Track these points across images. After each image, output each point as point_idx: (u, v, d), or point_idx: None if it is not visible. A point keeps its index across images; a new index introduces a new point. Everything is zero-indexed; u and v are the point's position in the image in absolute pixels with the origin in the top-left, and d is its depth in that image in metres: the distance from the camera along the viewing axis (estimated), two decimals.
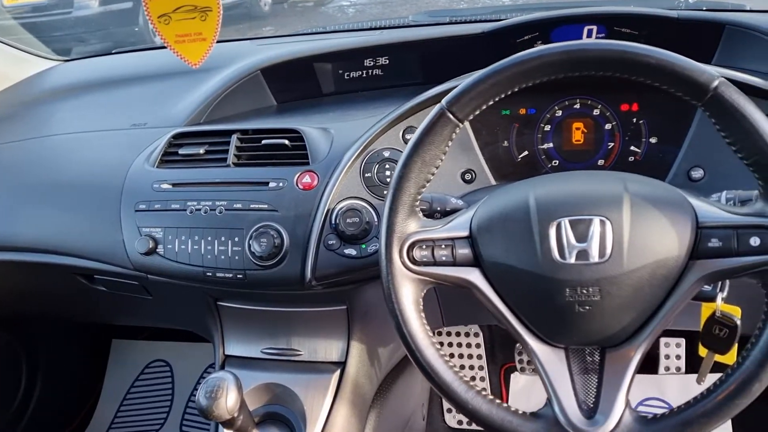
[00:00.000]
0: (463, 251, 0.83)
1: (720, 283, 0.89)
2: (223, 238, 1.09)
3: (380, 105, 1.25)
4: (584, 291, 0.77)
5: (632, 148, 1.17)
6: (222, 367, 1.19)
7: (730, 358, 0.92)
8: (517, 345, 1.65)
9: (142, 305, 1.30)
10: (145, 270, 1.15)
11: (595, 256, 0.76)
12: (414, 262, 0.83)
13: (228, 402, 0.93)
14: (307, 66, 1.40)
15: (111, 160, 1.25)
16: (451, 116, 0.81)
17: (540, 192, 0.82)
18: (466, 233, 0.84)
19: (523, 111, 1.23)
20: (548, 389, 0.81)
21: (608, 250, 0.76)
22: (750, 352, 0.74)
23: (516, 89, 0.80)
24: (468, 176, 1.15)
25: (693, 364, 1.58)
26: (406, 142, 1.13)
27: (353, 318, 1.15)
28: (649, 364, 1.59)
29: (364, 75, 1.44)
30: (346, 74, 1.43)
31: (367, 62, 1.42)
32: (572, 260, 0.77)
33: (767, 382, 0.74)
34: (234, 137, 1.18)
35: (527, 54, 0.78)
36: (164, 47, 1.78)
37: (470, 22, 1.51)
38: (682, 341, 1.57)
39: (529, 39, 1.39)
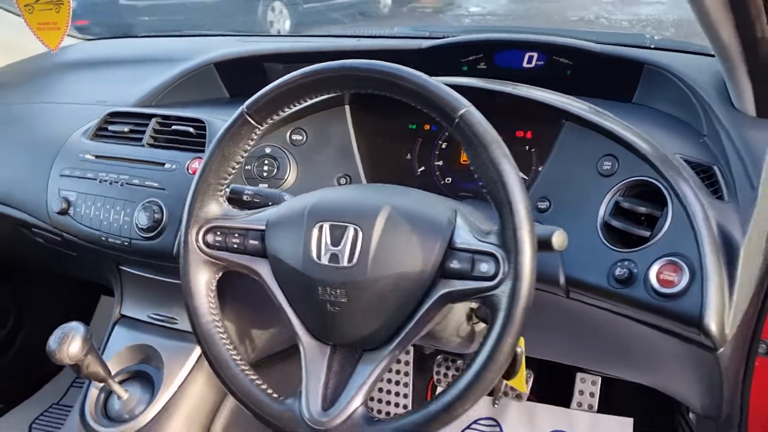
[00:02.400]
0: (254, 242, 0.90)
1: None
2: (118, 208, 1.23)
3: None
4: (333, 292, 0.82)
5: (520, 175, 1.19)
6: (114, 324, 1.33)
7: (519, 383, 0.94)
8: (442, 361, 1.68)
9: (76, 260, 1.46)
10: (60, 227, 1.31)
11: (344, 260, 0.82)
12: (207, 245, 0.92)
13: (71, 349, 1.05)
14: (257, 64, 1.50)
15: (62, 130, 1.42)
16: (249, 119, 0.88)
17: (323, 196, 0.88)
18: (261, 226, 0.91)
19: (427, 127, 1.27)
20: (302, 381, 0.87)
21: (356, 257, 0.81)
22: (465, 372, 0.77)
23: (307, 100, 0.87)
24: (343, 181, 1.21)
25: (605, 406, 1.55)
26: (291, 142, 1.21)
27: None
28: (563, 397, 1.58)
29: None
30: None
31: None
32: (325, 261, 0.83)
33: (476, 399, 0.76)
34: (153, 121, 1.30)
35: (310, 69, 0.85)
36: (176, 36, 1.98)
37: (442, 38, 1.55)
38: (599, 379, 1.54)
39: (473, 59, 1.43)
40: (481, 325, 0.99)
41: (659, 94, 1.23)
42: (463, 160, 1.23)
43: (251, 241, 0.90)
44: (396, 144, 1.26)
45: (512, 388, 1.58)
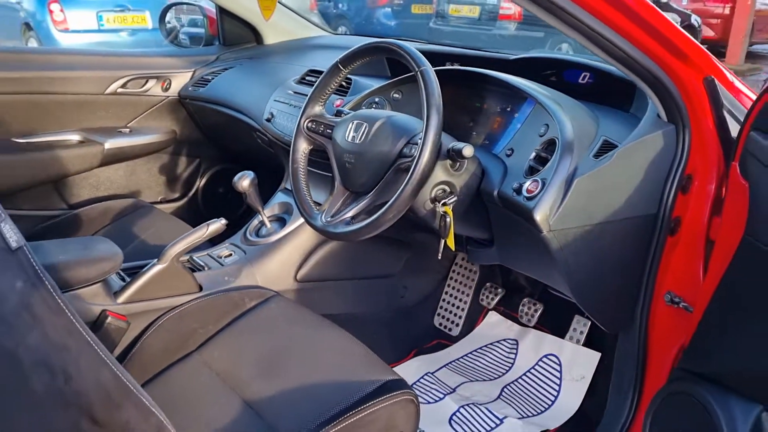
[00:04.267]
0: (329, 131, 1.67)
1: (448, 190, 1.55)
2: (294, 121, 2.10)
3: None
4: (349, 156, 1.57)
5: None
6: (278, 191, 2.20)
7: (450, 242, 1.57)
8: (489, 287, 2.29)
9: (274, 158, 2.37)
10: (265, 130, 2.23)
11: (357, 140, 1.56)
12: (308, 129, 1.71)
13: (242, 183, 1.93)
14: None
15: (285, 77, 2.36)
16: (339, 66, 1.66)
17: (365, 111, 1.63)
18: (334, 124, 1.68)
19: (485, 106, 1.92)
20: (328, 205, 1.62)
21: (361, 139, 1.55)
22: (383, 205, 1.44)
23: (367, 58, 1.61)
24: None
25: (591, 341, 2.02)
26: (392, 98, 1.96)
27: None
28: (560, 331, 2.08)
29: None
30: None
31: (447, 64, 2.24)
32: (349, 139, 1.57)
33: (387, 220, 1.43)
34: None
35: (365, 43, 1.59)
36: None
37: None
38: (589, 323, 2.01)
39: (549, 73, 2.04)
40: (439, 207, 1.63)
41: (641, 104, 1.72)
42: (494, 127, 1.86)
43: (328, 130, 1.68)
44: (460, 113, 1.93)
45: (525, 313, 2.14)
